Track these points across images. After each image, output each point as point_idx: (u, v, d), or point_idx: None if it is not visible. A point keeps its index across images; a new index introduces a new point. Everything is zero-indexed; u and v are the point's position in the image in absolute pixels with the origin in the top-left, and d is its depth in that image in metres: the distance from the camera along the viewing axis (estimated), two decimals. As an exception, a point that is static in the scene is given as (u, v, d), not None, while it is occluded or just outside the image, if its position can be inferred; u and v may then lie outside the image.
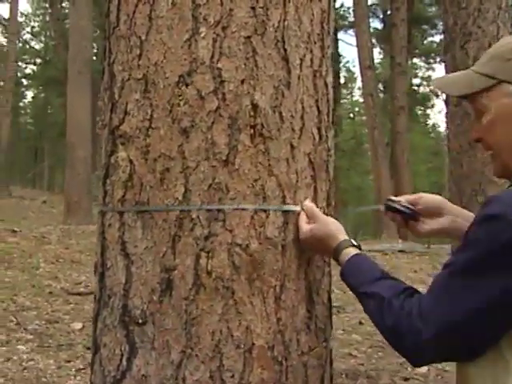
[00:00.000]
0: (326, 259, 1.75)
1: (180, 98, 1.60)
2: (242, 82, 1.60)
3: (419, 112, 36.28)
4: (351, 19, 27.88)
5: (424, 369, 5.34)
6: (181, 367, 1.55)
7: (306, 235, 1.62)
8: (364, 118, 24.54)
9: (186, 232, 1.57)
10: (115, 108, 1.69)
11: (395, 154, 19.21)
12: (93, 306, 1.77)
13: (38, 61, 39.51)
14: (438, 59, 31.16)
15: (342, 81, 36.60)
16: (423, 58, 33.23)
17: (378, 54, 34.28)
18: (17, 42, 28.92)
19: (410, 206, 1.66)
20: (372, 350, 5.99)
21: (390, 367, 5.41)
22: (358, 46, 19.48)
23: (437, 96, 32.62)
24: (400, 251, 12.26)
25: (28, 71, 41.42)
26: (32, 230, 11.40)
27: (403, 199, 1.68)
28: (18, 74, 37.07)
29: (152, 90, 1.62)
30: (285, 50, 1.65)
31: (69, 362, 5.22)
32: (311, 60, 1.72)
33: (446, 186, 5.45)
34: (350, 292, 1.55)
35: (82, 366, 5.04)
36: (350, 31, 30.27)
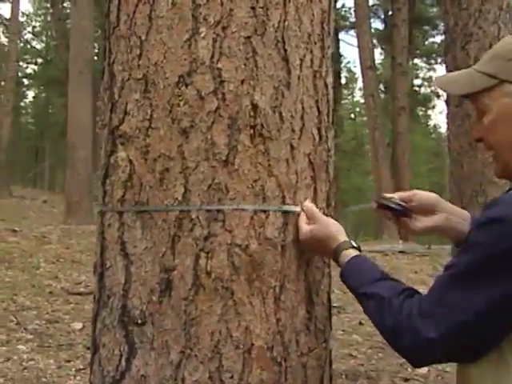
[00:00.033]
0: (325, 260, 1.75)
1: (180, 98, 1.59)
2: (242, 82, 1.60)
3: (420, 113, 36.26)
4: (352, 20, 27.88)
5: (424, 369, 5.33)
6: (180, 367, 1.55)
7: (305, 236, 1.62)
8: (365, 118, 24.52)
9: (185, 232, 1.57)
10: (115, 108, 1.69)
11: (396, 154, 19.20)
12: (92, 306, 1.77)
13: (40, 60, 39.52)
14: (439, 60, 31.14)
15: (343, 81, 36.60)
16: (424, 59, 33.21)
17: (379, 55, 34.31)
18: (18, 41, 28.92)
19: (401, 203, 1.64)
20: (372, 350, 5.98)
21: (390, 368, 5.40)
22: (359, 46, 19.46)
23: (438, 97, 32.62)
24: (400, 252, 12.24)
25: (29, 71, 41.47)
26: (32, 229, 11.39)
27: (396, 196, 1.66)
28: (19, 74, 37.08)
29: (152, 90, 1.62)
30: (285, 51, 1.65)
31: (69, 361, 5.22)
32: (311, 60, 1.72)
33: (447, 186, 5.45)
34: (350, 293, 1.54)
35: (82, 366, 5.04)
36: (351, 32, 30.30)
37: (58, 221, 14.34)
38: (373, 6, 27.97)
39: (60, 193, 24.40)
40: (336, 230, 1.60)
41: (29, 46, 39.41)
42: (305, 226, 1.63)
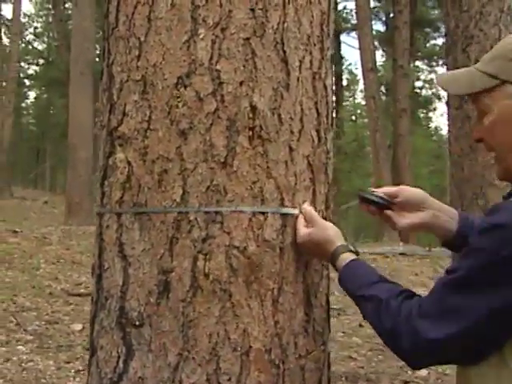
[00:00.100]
0: (324, 262, 1.74)
1: (178, 99, 1.59)
2: (241, 83, 1.59)
3: (421, 115, 36.24)
4: (354, 21, 27.88)
5: (424, 372, 5.33)
6: (177, 370, 1.54)
7: (303, 239, 1.61)
8: (366, 120, 24.53)
9: (183, 234, 1.56)
10: (114, 109, 1.69)
11: (397, 156, 19.18)
12: (90, 307, 1.77)
13: (41, 61, 39.53)
14: (440, 62, 31.12)
15: (345, 83, 36.58)
16: (426, 61, 33.19)
17: (380, 57, 34.31)
18: (19, 42, 28.97)
19: (383, 197, 1.62)
20: (372, 352, 5.98)
21: (390, 370, 5.40)
22: (360, 48, 19.46)
23: (439, 99, 32.61)
24: (401, 254, 12.24)
25: (30, 72, 41.45)
26: (33, 230, 11.41)
27: (381, 190, 1.65)
28: (21, 75, 37.10)
29: (150, 91, 1.62)
30: (284, 52, 1.65)
31: (68, 363, 5.22)
32: (310, 62, 1.72)
33: (448, 189, 5.44)
34: (349, 297, 1.54)
35: (81, 368, 5.03)
36: (353, 33, 30.31)
37: (58, 222, 14.34)
38: (374, 8, 27.96)
39: (61, 194, 24.39)
40: (334, 234, 1.60)
41: (30, 47, 39.44)
42: (303, 229, 1.62)
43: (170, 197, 1.58)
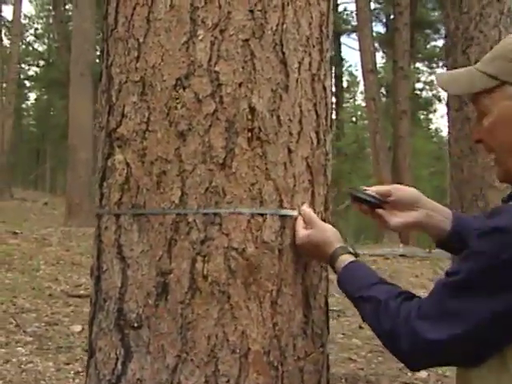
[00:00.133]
0: (322, 264, 1.74)
1: (177, 100, 1.59)
2: (240, 85, 1.59)
3: (422, 116, 36.21)
4: (354, 23, 27.90)
5: (424, 374, 5.32)
6: (176, 372, 1.54)
7: (302, 241, 1.61)
8: (366, 122, 24.50)
9: (182, 236, 1.56)
10: (112, 110, 1.69)
11: (397, 158, 19.17)
12: (89, 309, 1.76)
13: (41, 63, 39.56)
14: (440, 64, 31.11)
15: (345, 85, 36.59)
16: (426, 63, 33.18)
17: (380, 58, 34.32)
18: (20, 43, 29.02)
19: (375, 195, 1.61)
20: (372, 354, 5.97)
21: (390, 372, 5.39)
22: (360, 49, 19.45)
23: (439, 100, 32.60)
24: (401, 256, 12.22)
25: (31, 73, 41.50)
26: (33, 231, 11.40)
27: (373, 189, 1.63)
28: (21, 76, 37.16)
29: (149, 92, 1.62)
30: (283, 54, 1.64)
31: (68, 364, 5.21)
32: (310, 63, 1.71)
33: (448, 190, 5.44)
34: (348, 298, 1.53)
35: (80, 369, 5.02)
36: (353, 35, 30.34)
37: (58, 223, 14.33)
38: (374, 9, 27.97)
39: (61, 195, 24.39)
40: (332, 236, 1.59)
41: (31, 48, 39.49)
42: (302, 231, 1.62)
43: (169, 198, 1.58)
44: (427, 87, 34.03)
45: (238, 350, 1.54)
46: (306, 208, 1.65)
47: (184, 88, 1.59)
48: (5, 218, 13.68)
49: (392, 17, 23.43)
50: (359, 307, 1.48)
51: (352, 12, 29.78)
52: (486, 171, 4.32)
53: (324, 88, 1.77)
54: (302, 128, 1.68)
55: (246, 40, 1.60)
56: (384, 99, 27.33)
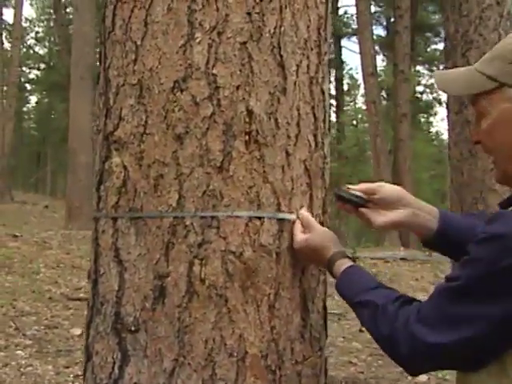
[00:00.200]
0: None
1: (175, 103, 1.58)
2: (238, 88, 1.58)
3: (422, 119, 36.22)
4: (354, 26, 27.92)
5: (424, 377, 5.31)
6: (173, 376, 1.53)
7: (300, 245, 1.60)
8: (367, 125, 24.49)
9: (179, 239, 1.56)
10: (110, 113, 1.68)
11: (397, 161, 19.18)
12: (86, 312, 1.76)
13: (42, 66, 39.61)
14: (441, 67, 31.13)
15: (346, 88, 36.61)
16: (426, 66, 33.20)
17: (381, 62, 34.33)
18: (21, 46, 29.03)
19: (358, 194, 1.60)
20: (372, 358, 5.96)
21: (390, 375, 5.38)
22: (361, 53, 19.48)
23: (440, 103, 32.60)
24: (402, 259, 12.21)
25: (32, 76, 41.53)
26: (33, 234, 11.39)
27: (359, 187, 1.62)
28: (22, 79, 37.18)
29: (147, 95, 1.61)
30: (281, 56, 1.64)
31: (67, 367, 5.20)
32: (308, 66, 1.71)
33: (449, 193, 5.43)
34: (346, 303, 1.53)
35: (80, 372, 5.01)
36: (354, 38, 30.34)
37: (58, 226, 14.33)
38: (375, 12, 28.02)
39: (61, 198, 24.37)
40: (330, 240, 1.58)
41: (31, 52, 39.50)
42: (300, 235, 1.61)
43: (166, 201, 1.57)
44: (428, 90, 34.04)
45: (235, 354, 1.54)
46: (304, 212, 1.64)
47: (181, 91, 1.58)
48: (5, 220, 13.66)
49: (392, 20, 23.46)
50: (357, 312, 1.47)
51: (352, 15, 29.83)
52: (486, 174, 4.31)
53: (322, 91, 1.76)
54: (299, 131, 1.67)
55: (244, 43, 1.60)
56: (384, 102, 27.35)
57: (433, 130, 40.99)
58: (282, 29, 1.65)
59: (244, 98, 1.59)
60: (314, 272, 1.71)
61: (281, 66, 1.64)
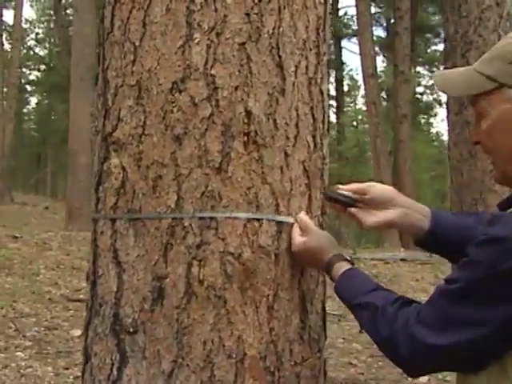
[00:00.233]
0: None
1: (173, 104, 1.58)
2: (236, 88, 1.58)
3: (422, 120, 36.24)
4: (355, 27, 27.92)
5: (424, 379, 5.30)
6: (172, 377, 1.53)
7: (298, 248, 1.59)
8: (367, 126, 24.50)
9: (178, 240, 1.55)
10: (108, 114, 1.68)
11: (398, 162, 19.17)
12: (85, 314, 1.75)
13: (42, 67, 39.64)
14: (441, 68, 31.13)
15: (346, 89, 36.61)
16: (426, 67, 33.21)
17: (381, 63, 34.37)
18: (21, 48, 29.03)
19: (348, 194, 1.60)
20: (372, 359, 5.95)
21: (390, 377, 5.38)
22: (361, 54, 19.47)
23: (440, 104, 32.61)
24: (402, 260, 12.21)
25: (32, 77, 41.59)
26: (33, 236, 11.39)
27: (349, 187, 1.62)
28: (22, 80, 37.22)
29: (145, 96, 1.61)
30: (279, 57, 1.63)
31: (67, 369, 5.20)
32: (306, 67, 1.71)
33: (449, 194, 5.43)
34: (345, 306, 1.52)
35: (80, 374, 5.00)
36: (354, 39, 30.36)
37: (59, 227, 14.32)
38: (375, 13, 28.03)
39: (62, 199, 24.38)
40: (328, 243, 1.58)
41: (32, 53, 39.52)
42: (298, 238, 1.60)
43: (165, 203, 1.57)
44: (428, 91, 34.07)
45: (234, 355, 1.53)
46: (302, 215, 1.63)
47: (180, 92, 1.58)
48: (5, 222, 13.66)
49: (392, 21, 23.46)
50: (357, 314, 1.47)
51: (352, 16, 29.84)
52: (486, 175, 4.31)
53: (321, 91, 1.76)
54: (298, 132, 1.67)
55: (243, 43, 1.60)
56: (385, 103, 27.36)
57: (433, 130, 41.02)
58: (281, 29, 1.64)
59: (243, 99, 1.58)
60: (313, 273, 1.70)
61: (279, 66, 1.64)
